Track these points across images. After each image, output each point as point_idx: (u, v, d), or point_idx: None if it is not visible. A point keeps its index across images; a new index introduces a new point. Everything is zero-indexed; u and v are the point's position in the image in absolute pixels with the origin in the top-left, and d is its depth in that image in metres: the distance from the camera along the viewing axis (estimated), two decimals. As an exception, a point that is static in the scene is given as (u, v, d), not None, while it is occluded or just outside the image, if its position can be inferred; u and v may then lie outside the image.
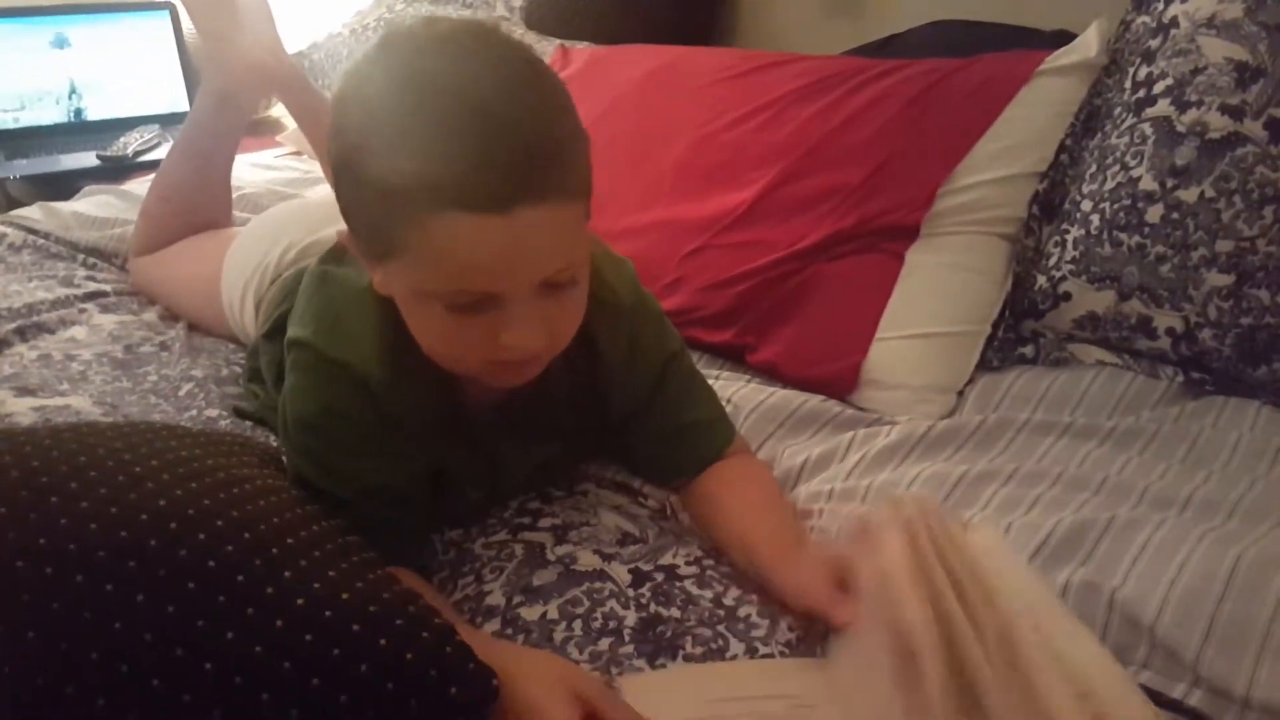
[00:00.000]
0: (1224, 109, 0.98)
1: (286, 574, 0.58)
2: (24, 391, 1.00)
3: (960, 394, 1.02)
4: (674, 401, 0.88)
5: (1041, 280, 1.06)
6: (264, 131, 2.13)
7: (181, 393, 1.05)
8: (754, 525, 0.80)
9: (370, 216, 0.66)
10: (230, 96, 1.34)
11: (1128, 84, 1.06)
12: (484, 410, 0.81)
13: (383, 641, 0.57)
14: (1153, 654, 0.68)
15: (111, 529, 0.57)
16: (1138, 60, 1.06)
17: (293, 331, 0.77)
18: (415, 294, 0.67)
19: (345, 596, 0.59)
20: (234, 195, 1.46)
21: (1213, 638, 0.67)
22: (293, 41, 1.95)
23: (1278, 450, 0.90)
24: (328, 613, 0.57)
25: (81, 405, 0.99)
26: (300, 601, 0.57)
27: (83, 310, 1.24)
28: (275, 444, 0.95)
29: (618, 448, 0.92)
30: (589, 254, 0.71)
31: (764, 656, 0.71)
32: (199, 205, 1.33)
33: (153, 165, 1.70)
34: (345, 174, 0.66)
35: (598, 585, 0.77)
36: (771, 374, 1.07)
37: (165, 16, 1.96)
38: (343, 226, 1.07)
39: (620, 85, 1.33)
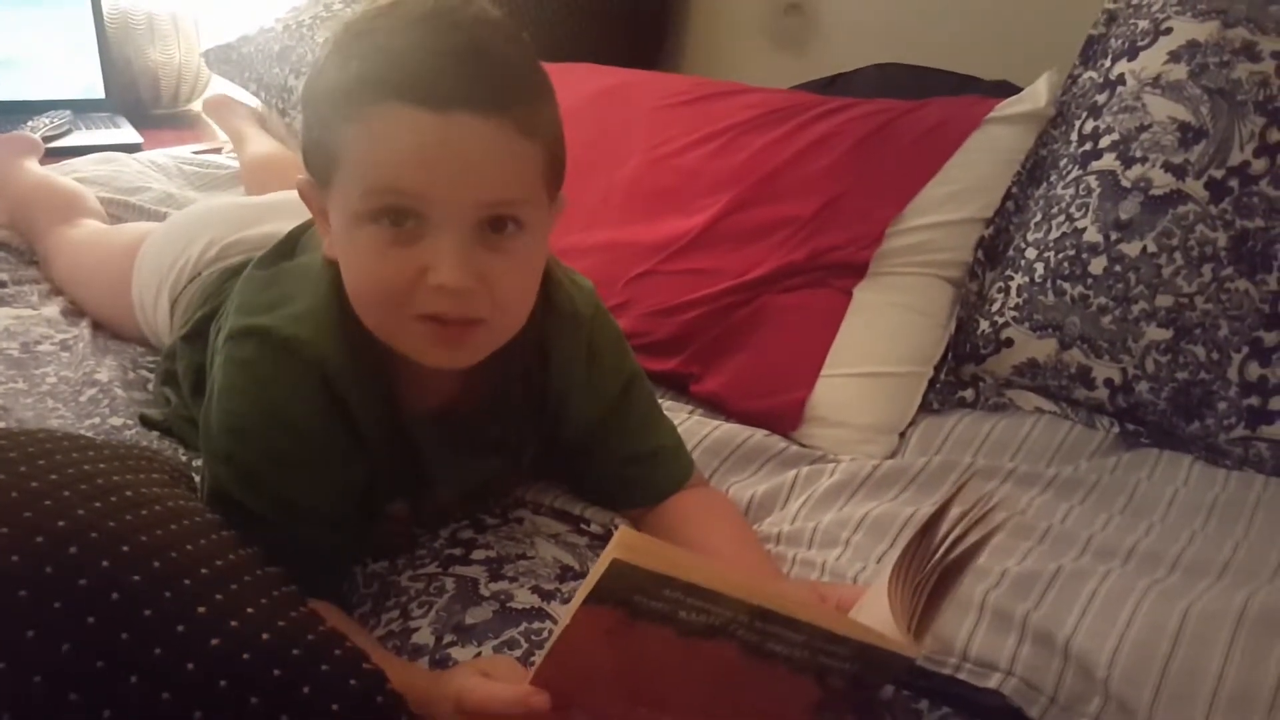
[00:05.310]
0: (1167, 166, 1.00)
1: (200, 609, 0.53)
2: (-98, 390, 0.91)
3: (902, 435, 1.01)
4: (639, 424, 0.85)
5: (984, 325, 1.06)
6: (183, 125, 2.03)
7: (83, 398, 0.97)
8: (735, 559, 0.77)
9: (321, 131, 0.66)
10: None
11: (1074, 136, 1.08)
12: (425, 417, 0.77)
13: (306, 690, 0.52)
14: (1106, 707, 0.67)
15: (1, 552, 0.50)
16: (1084, 114, 1.08)
17: (237, 321, 0.72)
18: (351, 220, 0.65)
19: (266, 637, 0.53)
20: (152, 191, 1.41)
21: (1163, 693, 0.67)
22: (223, 34, 1.88)
23: (1211, 505, 0.91)
24: (245, 655, 0.52)
25: (-32, 408, 0.90)
26: (215, 642, 0.52)
27: (-26, 304, 1.14)
28: (185, 457, 0.88)
29: (561, 470, 0.88)
30: (544, 213, 0.69)
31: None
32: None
33: (61, 152, 1.61)
34: (308, 104, 0.68)
35: (536, 625, 0.72)
36: (714, 405, 1.04)
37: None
38: (270, 225, 1.04)
39: (569, 103, 1.28)
